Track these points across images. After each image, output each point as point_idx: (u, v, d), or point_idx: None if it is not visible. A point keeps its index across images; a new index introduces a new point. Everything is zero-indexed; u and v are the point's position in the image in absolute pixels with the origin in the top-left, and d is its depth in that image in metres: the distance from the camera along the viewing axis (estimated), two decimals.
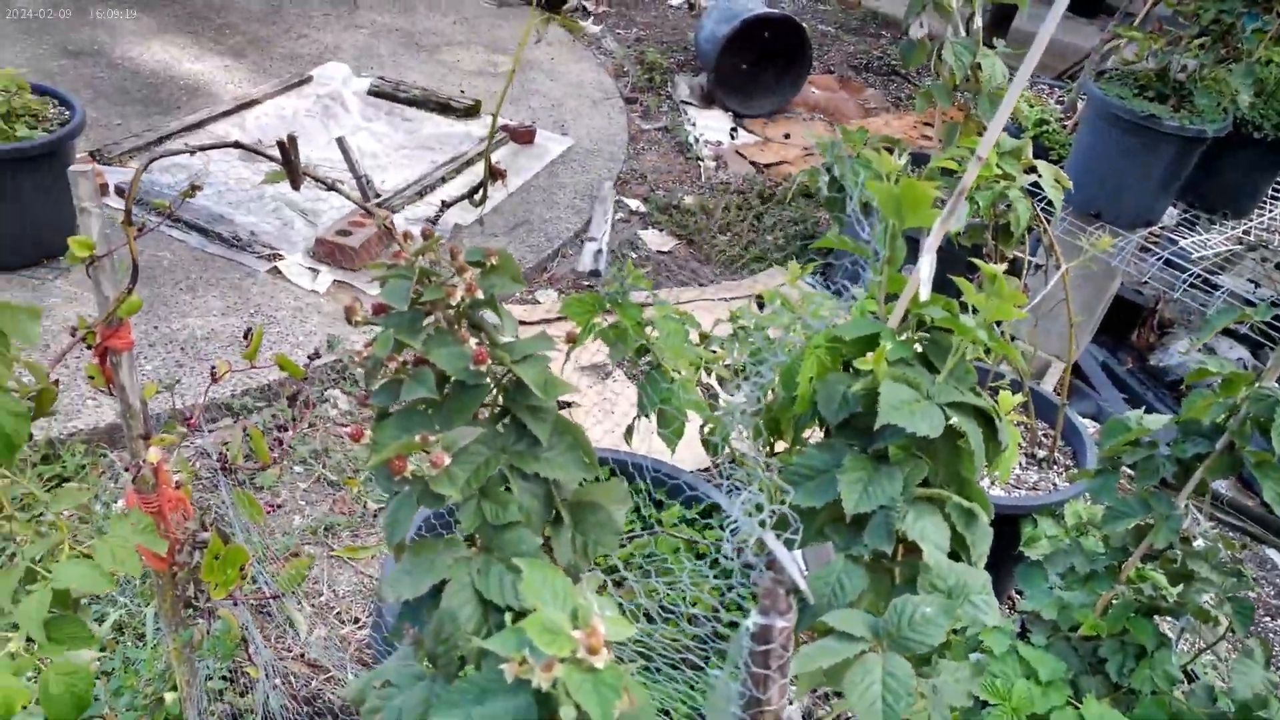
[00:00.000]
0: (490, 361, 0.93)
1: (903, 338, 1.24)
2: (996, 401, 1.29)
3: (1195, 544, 1.66)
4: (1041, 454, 2.34)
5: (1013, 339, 3.17)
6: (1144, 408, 2.85)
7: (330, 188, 1.56)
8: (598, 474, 0.94)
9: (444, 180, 4.10)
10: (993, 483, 2.25)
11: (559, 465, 0.92)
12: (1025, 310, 2.02)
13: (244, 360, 1.45)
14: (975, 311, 1.26)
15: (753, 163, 4.93)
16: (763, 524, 0.71)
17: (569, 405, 2.85)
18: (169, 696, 1.50)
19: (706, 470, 2.51)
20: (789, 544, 0.69)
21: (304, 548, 2.25)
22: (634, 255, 4.01)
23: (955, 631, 1.83)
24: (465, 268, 0.95)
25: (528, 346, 0.96)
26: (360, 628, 2.29)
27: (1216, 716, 1.63)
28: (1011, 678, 1.65)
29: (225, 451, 1.43)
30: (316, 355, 1.46)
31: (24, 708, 1.18)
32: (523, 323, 3.28)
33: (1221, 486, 2.99)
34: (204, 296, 3.14)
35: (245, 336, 1.42)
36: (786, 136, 5.25)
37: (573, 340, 1.12)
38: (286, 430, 2.13)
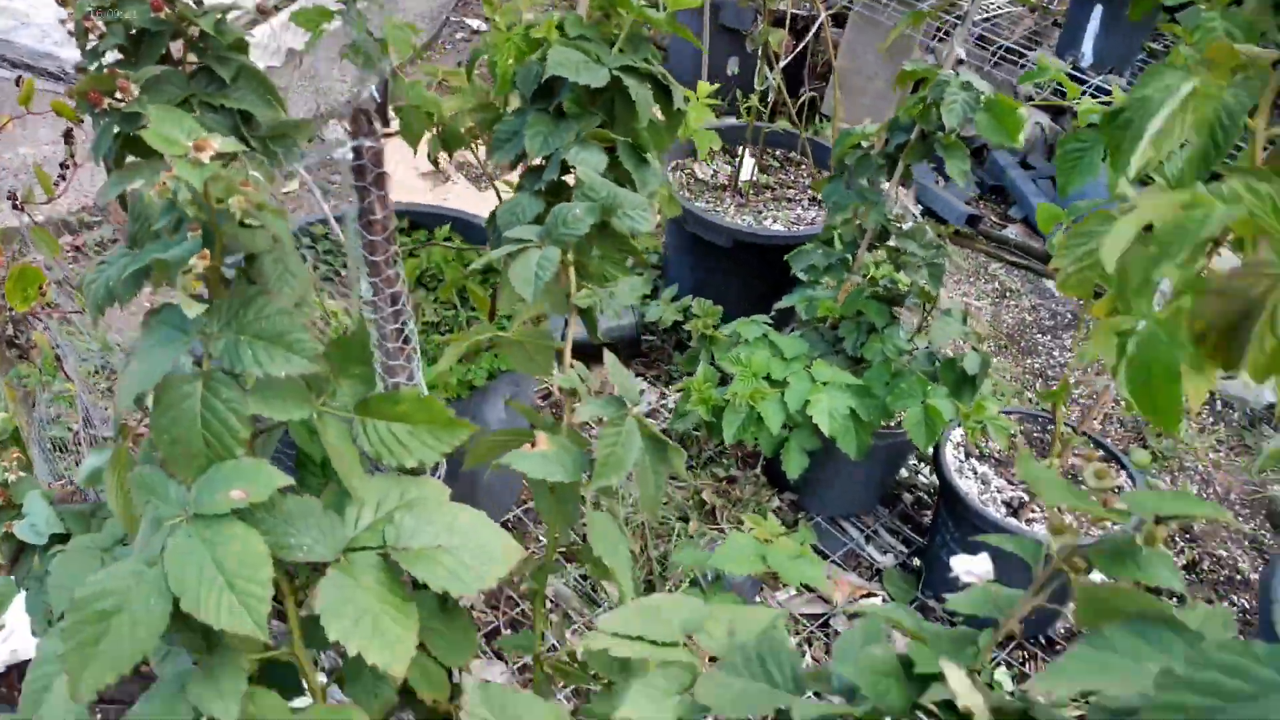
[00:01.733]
0: (182, 21, 1.10)
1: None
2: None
3: (904, 226, 1.91)
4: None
5: (827, 118, 3.39)
6: None
7: None
8: (284, 110, 1.12)
9: None
10: (774, 220, 2.50)
11: (246, 101, 1.10)
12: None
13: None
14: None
15: None
16: None
17: None
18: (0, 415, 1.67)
19: None
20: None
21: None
22: None
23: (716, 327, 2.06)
24: None
25: (212, 5, 1.12)
26: None
27: (929, 372, 1.92)
28: (758, 354, 1.91)
29: (14, 191, 1.57)
30: None
31: None
32: None
33: (1015, 234, 3.29)
34: None
35: (17, 83, 1.55)
36: None
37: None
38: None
